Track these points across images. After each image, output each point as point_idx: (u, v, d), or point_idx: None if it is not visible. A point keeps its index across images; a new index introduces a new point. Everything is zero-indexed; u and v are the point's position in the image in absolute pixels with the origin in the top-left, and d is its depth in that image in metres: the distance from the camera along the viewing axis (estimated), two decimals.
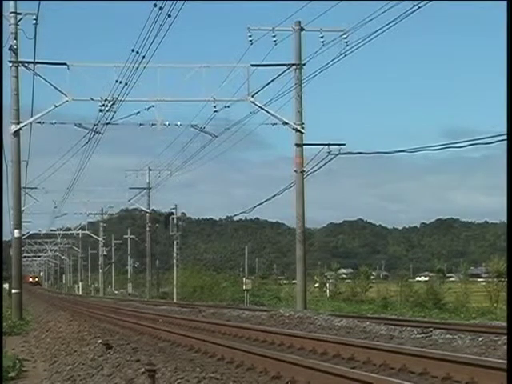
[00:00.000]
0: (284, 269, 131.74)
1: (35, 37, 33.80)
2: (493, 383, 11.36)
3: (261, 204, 43.71)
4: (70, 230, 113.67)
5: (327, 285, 72.81)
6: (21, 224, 36.59)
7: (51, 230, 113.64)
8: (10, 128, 35.31)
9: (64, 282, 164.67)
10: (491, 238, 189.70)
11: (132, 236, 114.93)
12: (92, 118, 39.72)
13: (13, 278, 35.64)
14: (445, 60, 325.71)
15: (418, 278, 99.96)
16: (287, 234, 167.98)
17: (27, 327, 29.75)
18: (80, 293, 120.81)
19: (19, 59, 35.04)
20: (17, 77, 34.99)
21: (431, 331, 19.54)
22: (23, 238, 46.75)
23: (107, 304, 59.79)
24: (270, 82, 37.61)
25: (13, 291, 35.36)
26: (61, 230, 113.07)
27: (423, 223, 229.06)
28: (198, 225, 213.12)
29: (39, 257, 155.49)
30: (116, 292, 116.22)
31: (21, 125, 35.69)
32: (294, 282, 52.06)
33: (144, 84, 36.05)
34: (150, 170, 78.21)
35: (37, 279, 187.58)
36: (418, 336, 19.11)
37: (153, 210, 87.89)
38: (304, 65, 37.53)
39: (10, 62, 34.70)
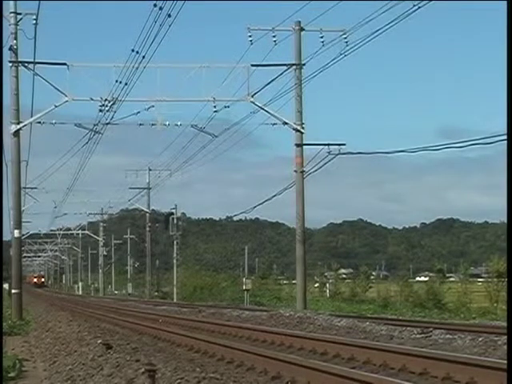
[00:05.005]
0: (284, 269, 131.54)
1: (35, 37, 33.76)
2: (493, 383, 11.36)
3: (261, 204, 43.75)
4: (69, 230, 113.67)
5: (327, 285, 72.76)
6: (21, 224, 36.54)
7: (51, 230, 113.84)
8: (9, 128, 35.27)
9: (64, 282, 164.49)
10: (491, 238, 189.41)
11: (132, 236, 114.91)
12: (92, 118, 39.72)
13: (13, 277, 35.61)
14: (444, 60, 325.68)
15: (418, 278, 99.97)
16: (287, 234, 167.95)
17: (27, 327, 29.70)
18: (80, 293, 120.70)
19: (19, 59, 34.97)
20: (17, 77, 34.93)
21: (431, 331, 19.53)
22: (23, 238, 46.71)
23: (107, 304, 59.77)
24: (270, 82, 37.61)
25: (13, 291, 35.31)
26: (61, 230, 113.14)
27: (423, 223, 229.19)
28: (197, 225, 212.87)
29: (39, 257, 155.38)
30: (116, 292, 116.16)
31: (21, 125, 35.65)
32: (294, 282, 52.01)
33: (144, 84, 36.16)
34: (150, 170, 78.28)
35: (43, 279, 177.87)
36: (418, 336, 19.10)
37: (153, 210, 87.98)
38: (304, 65, 37.54)
39: (10, 61, 34.64)
